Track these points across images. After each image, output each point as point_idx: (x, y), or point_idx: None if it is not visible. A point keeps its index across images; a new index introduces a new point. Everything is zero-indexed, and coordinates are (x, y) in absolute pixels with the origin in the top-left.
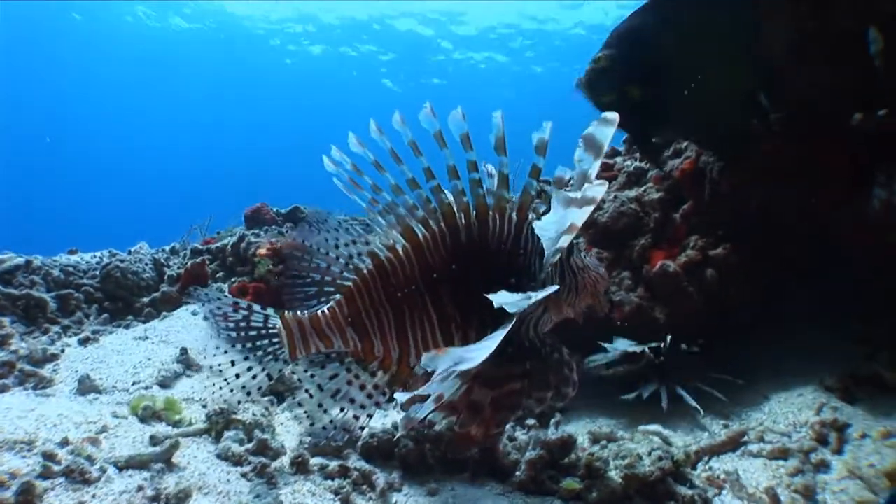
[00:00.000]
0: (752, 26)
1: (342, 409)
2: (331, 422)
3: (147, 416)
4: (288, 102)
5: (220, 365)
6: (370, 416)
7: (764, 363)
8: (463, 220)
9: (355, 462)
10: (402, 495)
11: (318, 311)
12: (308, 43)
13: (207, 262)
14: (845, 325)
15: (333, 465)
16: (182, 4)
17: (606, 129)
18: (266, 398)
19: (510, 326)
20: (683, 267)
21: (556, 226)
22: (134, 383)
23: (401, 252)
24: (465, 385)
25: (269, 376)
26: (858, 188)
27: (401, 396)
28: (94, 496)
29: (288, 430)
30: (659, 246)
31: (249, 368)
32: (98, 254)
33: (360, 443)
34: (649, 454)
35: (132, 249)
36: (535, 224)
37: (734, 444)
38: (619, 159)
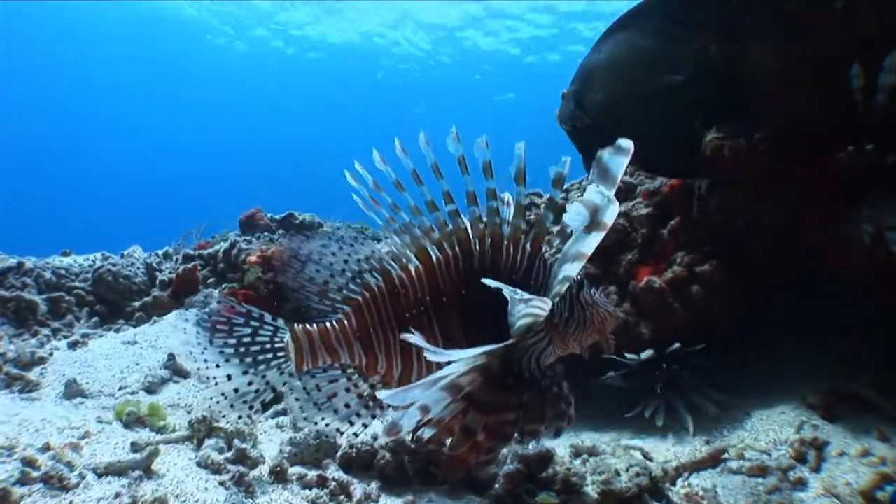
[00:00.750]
0: (694, 56)
1: (336, 412)
2: (326, 425)
3: (131, 421)
4: (290, 104)
5: (216, 377)
6: (365, 426)
7: (748, 380)
8: (477, 247)
9: (334, 472)
10: None
11: (327, 324)
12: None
13: (199, 268)
14: (829, 344)
15: (312, 474)
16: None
17: (620, 158)
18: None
19: (507, 344)
20: (669, 283)
21: (565, 254)
22: (120, 388)
23: (413, 273)
24: (457, 405)
25: (274, 389)
26: (844, 210)
27: (383, 394)
28: (71, 503)
29: (270, 439)
30: (646, 262)
31: (250, 382)
32: (91, 256)
33: (339, 453)
34: (627, 470)
35: (125, 253)
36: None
37: (714, 460)
38: None
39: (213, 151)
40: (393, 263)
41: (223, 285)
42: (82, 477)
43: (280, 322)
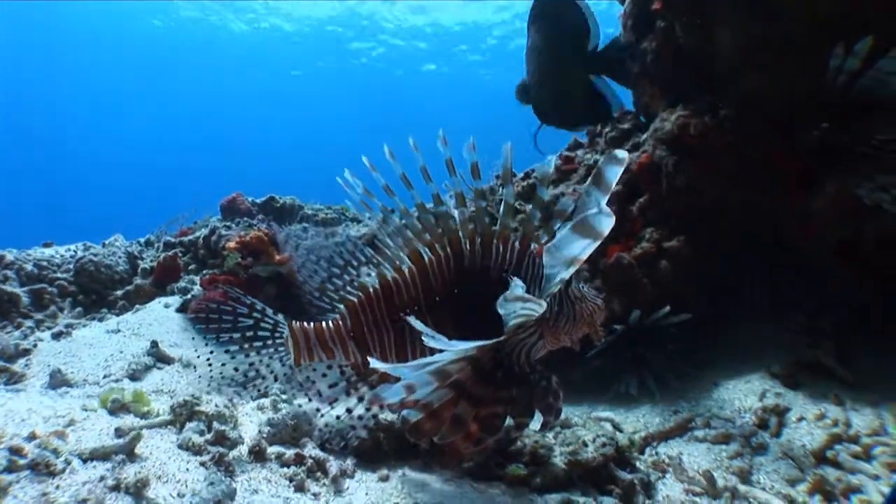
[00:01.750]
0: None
1: (338, 417)
2: (326, 425)
3: (116, 408)
4: (272, 97)
5: (222, 366)
6: (366, 428)
7: (716, 352)
8: (468, 247)
9: (311, 450)
10: (355, 481)
11: (322, 323)
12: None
13: (180, 255)
14: (793, 316)
15: (290, 453)
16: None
17: (616, 167)
18: (232, 389)
19: (499, 340)
20: (638, 259)
21: (559, 256)
22: (105, 376)
23: (406, 273)
24: (445, 392)
25: (276, 377)
26: (807, 186)
27: (374, 362)
28: (57, 487)
29: (251, 421)
30: (616, 239)
31: (257, 370)
32: (72, 247)
33: (316, 432)
34: (594, 440)
35: (106, 242)
36: (546, 250)
37: (682, 429)
38: (580, 152)
39: (193, 140)
40: (387, 265)
41: (204, 271)
42: (68, 462)
43: (280, 317)
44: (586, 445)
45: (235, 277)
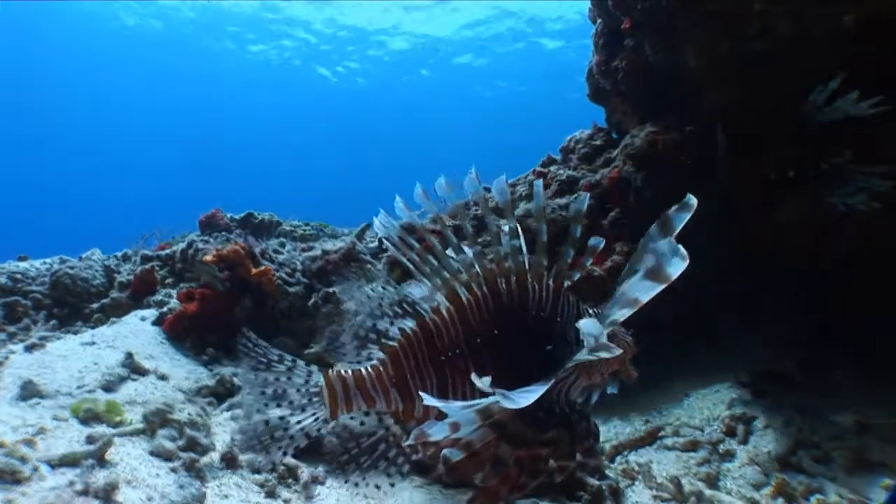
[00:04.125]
0: None
1: (377, 468)
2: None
3: (88, 418)
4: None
5: (255, 422)
6: (401, 474)
7: (687, 363)
8: (504, 286)
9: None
10: (325, 487)
11: (362, 370)
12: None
13: (157, 269)
14: (762, 326)
15: (262, 459)
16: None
17: (684, 214)
18: (205, 399)
19: (548, 385)
20: (608, 272)
21: (623, 299)
22: (78, 387)
23: (446, 315)
24: (486, 432)
25: (308, 435)
26: (773, 200)
27: (427, 398)
28: (23, 493)
29: (225, 430)
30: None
31: (286, 427)
32: (48, 260)
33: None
34: None
35: (83, 256)
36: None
37: (652, 438)
38: (553, 168)
39: (176, 153)
40: (425, 307)
41: (181, 285)
42: (35, 469)
43: (313, 367)
44: None
45: (212, 291)
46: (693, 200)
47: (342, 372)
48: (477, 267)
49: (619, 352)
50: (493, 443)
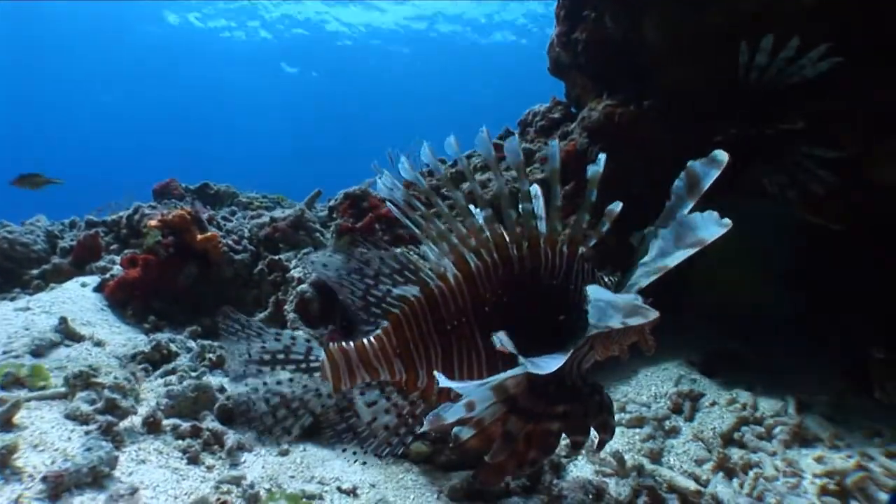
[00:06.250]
0: None
1: (376, 436)
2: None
3: (8, 382)
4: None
5: (255, 400)
6: (403, 444)
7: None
8: (515, 252)
9: (209, 423)
10: (252, 455)
11: (364, 341)
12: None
13: (102, 235)
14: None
15: (186, 425)
16: None
17: (712, 170)
18: (140, 366)
19: (570, 354)
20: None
21: (652, 266)
22: (4, 352)
23: (452, 282)
24: (498, 407)
25: (312, 412)
26: (728, 179)
27: (442, 379)
28: None
29: (155, 397)
30: None
31: (288, 403)
32: None
33: (217, 405)
34: None
35: (26, 222)
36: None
37: None
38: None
39: (125, 130)
40: (431, 273)
41: (125, 251)
42: None
43: (313, 341)
44: None
45: (155, 256)
46: (724, 155)
47: (343, 344)
48: (487, 232)
49: (655, 315)
50: (503, 417)
